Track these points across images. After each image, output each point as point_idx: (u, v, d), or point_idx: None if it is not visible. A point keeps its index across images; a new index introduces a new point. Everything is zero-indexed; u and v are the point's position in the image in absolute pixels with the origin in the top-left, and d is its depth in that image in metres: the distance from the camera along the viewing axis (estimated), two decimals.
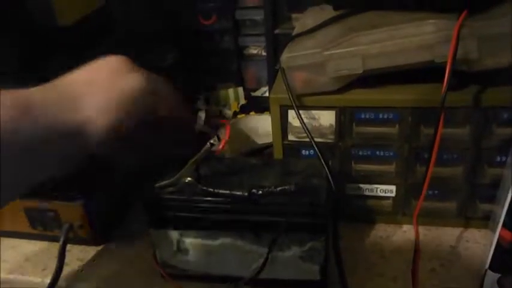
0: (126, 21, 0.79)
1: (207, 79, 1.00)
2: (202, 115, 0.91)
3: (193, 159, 0.50)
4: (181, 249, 0.54)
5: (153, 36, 0.85)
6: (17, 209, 0.61)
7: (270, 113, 0.88)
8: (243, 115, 0.92)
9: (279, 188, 0.48)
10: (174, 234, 0.53)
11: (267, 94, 0.96)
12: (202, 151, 0.49)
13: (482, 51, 0.47)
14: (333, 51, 0.52)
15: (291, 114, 0.58)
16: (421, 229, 0.60)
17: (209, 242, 0.53)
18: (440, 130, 0.48)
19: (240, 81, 1.00)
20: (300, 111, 0.56)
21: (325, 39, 0.54)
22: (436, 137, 0.48)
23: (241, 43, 0.96)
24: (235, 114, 0.93)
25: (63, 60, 0.62)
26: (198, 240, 0.53)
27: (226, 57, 0.98)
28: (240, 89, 0.98)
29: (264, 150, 0.73)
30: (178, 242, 0.54)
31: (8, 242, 0.66)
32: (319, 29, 0.58)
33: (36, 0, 0.60)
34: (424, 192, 0.51)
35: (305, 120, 0.57)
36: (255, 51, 0.98)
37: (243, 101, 0.97)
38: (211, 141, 0.49)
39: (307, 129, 0.55)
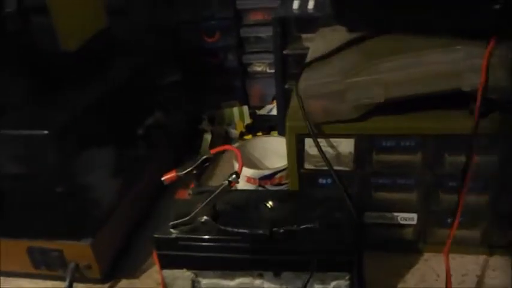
0: (128, 41, 0.77)
1: (211, 98, 0.97)
2: (208, 137, 0.89)
3: (209, 198, 0.47)
4: None
5: (155, 54, 0.83)
6: (19, 248, 0.58)
7: (277, 133, 0.88)
8: (250, 136, 0.89)
9: (302, 226, 0.46)
10: (188, 275, 0.51)
11: (273, 112, 0.94)
12: (219, 189, 0.46)
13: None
14: (353, 79, 0.50)
15: (308, 142, 0.56)
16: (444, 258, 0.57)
17: (226, 282, 0.50)
18: (472, 159, 0.46)
19: (244, 99, 0.97)
20: (318, 140, 0.54)
21: (344, 66, 0.52)
22: (468, 165, 0.46)
23: (246, 60, 0.94)
24: (241, 134, 0.91)
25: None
26: (215, 281, 0.50)
27: (230, 75, 0.96)
28: (245, 108, 0.95)
29: (276, 175, 0.70)
30: (193, 282, 0.51)
31: (10, 281, 0.62)
32: (336, 54, 0.56)
33: (40, 27, 0.58)
34: (457, 221, 0.48)
35: (323, 149, 0.54)
36: (259, 69, 0.96)
37: (248, 120, 0.94)
38: (229, 178, 0.46)
39: (326, 158, 0.53)
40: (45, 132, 0.51)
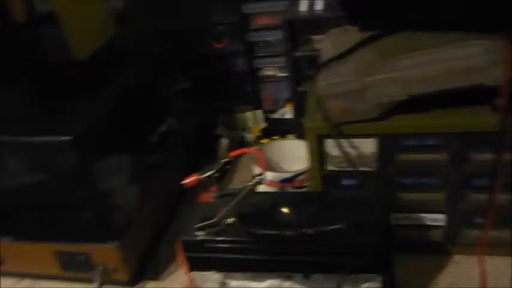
0: (136, 48, 0.77)
1: (224, 103, 0.97)
2: (225, 142, 0.89)
3: (236, 200, 0.47)
4: None
5: (165, 61, 0.83)
6: (48, 252, 0.58)
7: (294, 136, 0.88)
8: (267, 140, 0.89)
9: (330, 227, 0.46)
10: (217, 277, 0.50)
11: (287, 116, 0.94)
12: (246, 191, 0.46)
13: None
14: (373, 77, 0.50)
15: (329, 143, 0.56)
16: (477, 260, 0.55)
17: (255, 284, 0.50)
18: (502, 157, 0.45)
19: (257, 104, 0.97)
20: (339, 140, 0.54)
21: (361, 65, 0.52)
22: (498, 163, 0.45)
23: (256, 65, 0.94)
24: (258, 138, 0.91)
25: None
26: (244, 283, 0.50)
27: (241, 80, 0.96)
28: (259, 112, 0.95)
29: (297, 177, 0.70)
30: (223, 284, 0.51)
31: (40, 284, 0.63)
32: (351, 53, 0.56)
33: (50, 37, 0.58)
34: (489, 221, 0.47)
35: (344, 149, 0.54)
36: (270, 73, 0.96)
37: (262, 124, 0.94)
38: (256, 179, 0.46)
39: (350, 159, 0.53)
40: (68, 138, 0.51)
